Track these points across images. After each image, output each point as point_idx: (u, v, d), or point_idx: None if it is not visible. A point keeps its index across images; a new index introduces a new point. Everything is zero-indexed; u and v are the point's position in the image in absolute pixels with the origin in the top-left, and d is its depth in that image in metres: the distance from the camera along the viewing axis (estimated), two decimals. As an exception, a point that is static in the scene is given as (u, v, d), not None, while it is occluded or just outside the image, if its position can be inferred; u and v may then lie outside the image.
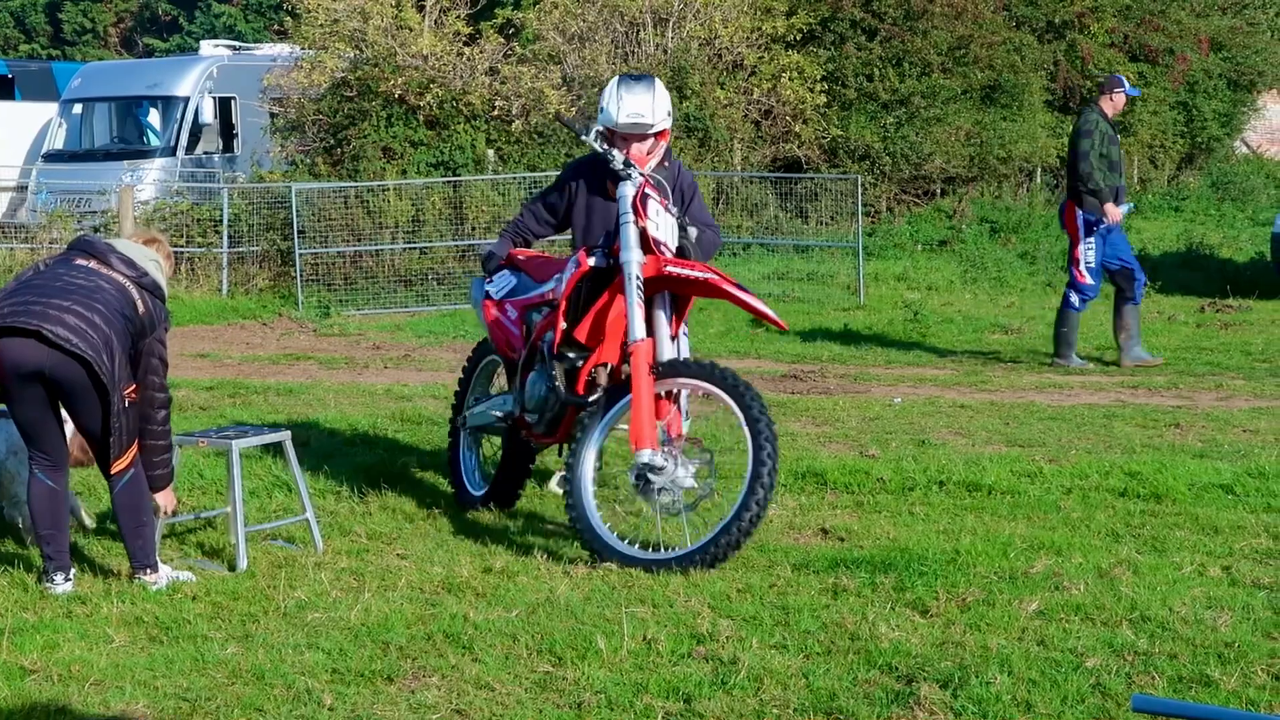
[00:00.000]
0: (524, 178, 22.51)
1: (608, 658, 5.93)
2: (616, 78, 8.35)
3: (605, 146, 7.86)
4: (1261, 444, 10.13)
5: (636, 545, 7.47)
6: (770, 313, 7.85)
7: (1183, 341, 15.63)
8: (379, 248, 21.82)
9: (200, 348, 16.96)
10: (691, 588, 6.87)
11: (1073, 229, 13.98)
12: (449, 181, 22.37)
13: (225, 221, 22.00)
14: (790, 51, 25.90)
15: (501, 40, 24.50)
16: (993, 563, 7.13)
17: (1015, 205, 27.75)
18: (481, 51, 23.89)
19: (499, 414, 8.35)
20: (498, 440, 8.76)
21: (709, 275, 7.65)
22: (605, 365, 7.74)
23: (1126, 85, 14.11)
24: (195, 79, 27.23)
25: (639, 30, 25.46)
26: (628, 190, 7.70)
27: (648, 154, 8.20)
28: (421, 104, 22.99)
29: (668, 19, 25.51)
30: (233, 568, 7.49)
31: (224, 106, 27.83)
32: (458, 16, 24.22)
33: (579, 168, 8.49)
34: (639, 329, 7.53)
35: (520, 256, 8.52)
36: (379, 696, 5.68)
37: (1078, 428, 10.93)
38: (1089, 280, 13.93)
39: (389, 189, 21.88)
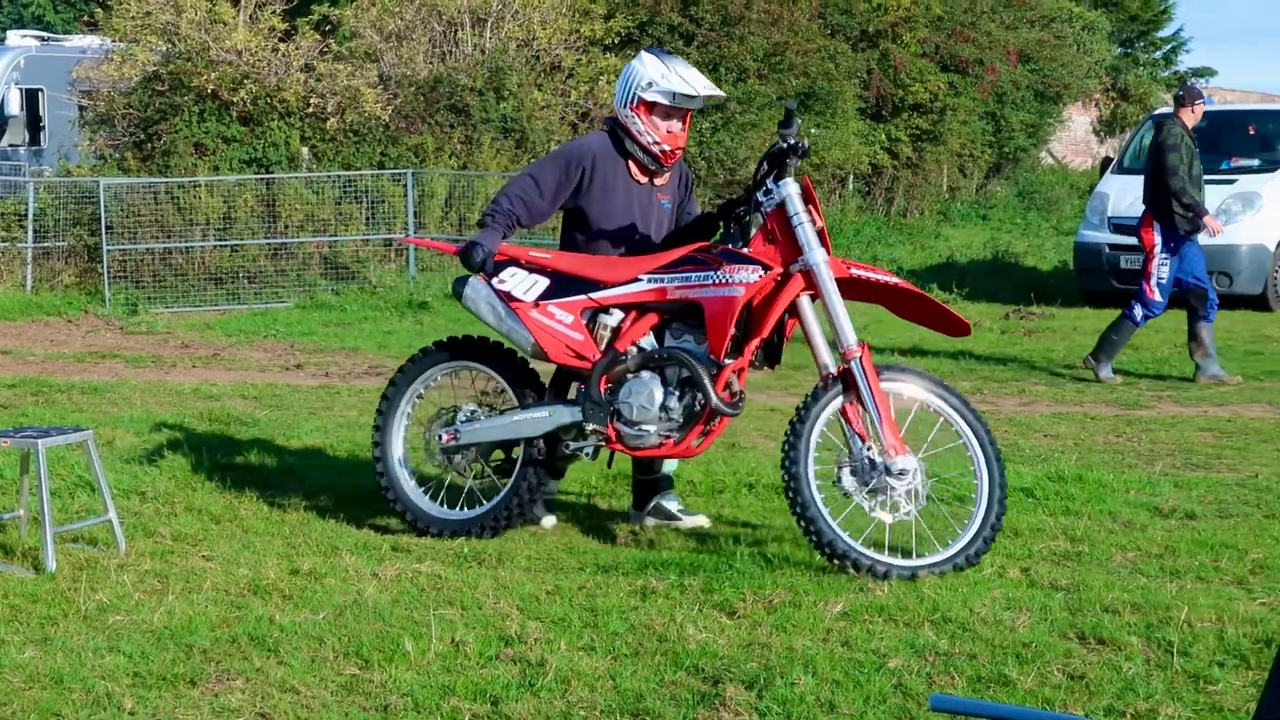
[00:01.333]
0: (339, 176, 22.33)
1: (415, 660, 5.90)
2: (648, 51, 8.16)
3: (790, 134, 7.47)
4: (1061, 449, 10.36)
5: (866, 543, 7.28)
6: (959, 315, 7.85)
7: (987, 347, 15.92)
8: (189, 245, 21.51)
9: (2, 344, 16.59)
10: (500, 590, 6.87)
11: (1149, 243, 13.73)
12: (262, 179, 22.13)
13: (31, 216, 21.53)
14: (608, 54, 25.96)
15: (318, 37, 24.26)
16: (800, 565, 7.21)
17: (828, 211, 28.09)
18: (297, 48, 23.64)
19: (562, 424, 7.74)
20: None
21: (895, 280, 7.65)
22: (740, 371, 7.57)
23: (1205, 97, 13.83)
24: (2, 70, 26.62)
25: (457, 30, 25.36)
26: (792, 187, 7.50)
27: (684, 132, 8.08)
28: (235, 100, 22.70)
29: (486, 19, 25.43)
30: (39, 569, 7.33)
31: (31, 98, 27.26)
32: (273, 12, 23.93)
33: (589, 147, 8.08)
34: (849, 335, 7.38)
35: (532, 254, 7.97)
36: (181, 700, 5.59)
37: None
38: (1157, 297, 13.57)
39: (200, 185, 21.57)
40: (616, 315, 7.72)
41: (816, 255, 7.38)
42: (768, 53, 26.90)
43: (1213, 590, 6.86)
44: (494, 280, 7.86)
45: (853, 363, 7.34)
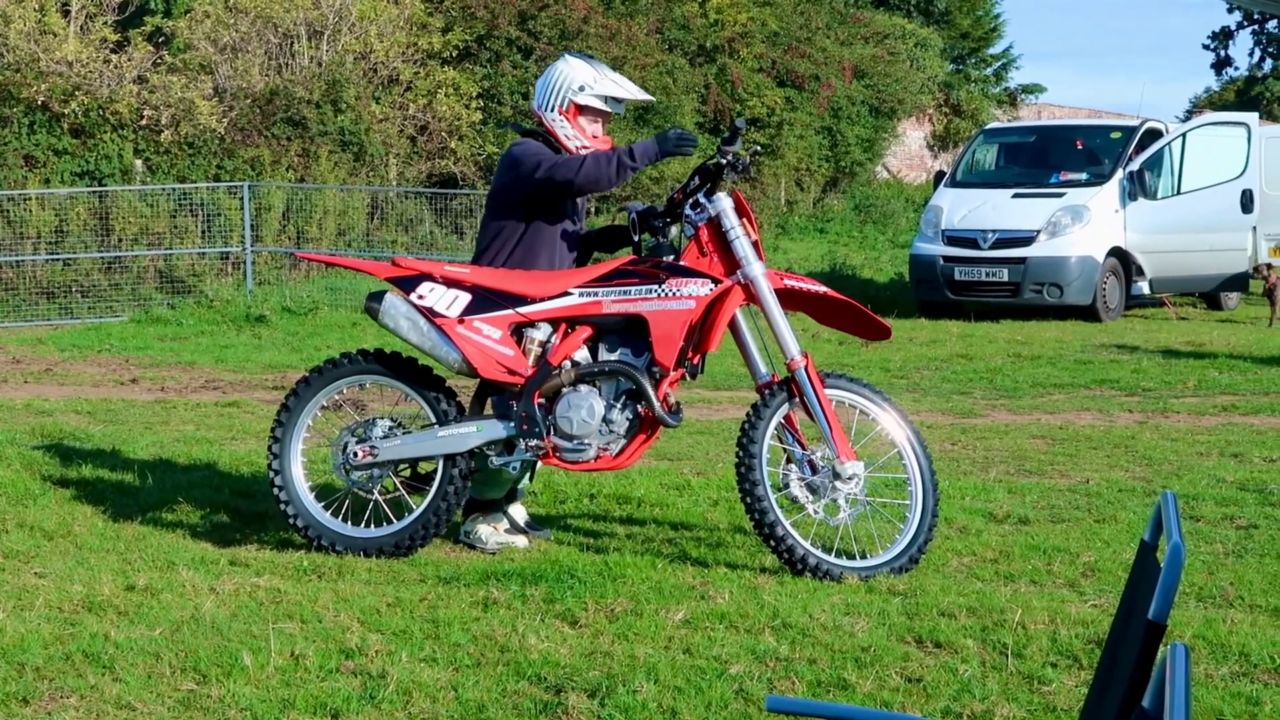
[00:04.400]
0: (173, 189, 22.05)
1: (254, 674, 5.84)
2: (572, 55, 8.08)
3: (731, 151, 7.51)
4: (897, 457, 10.48)
5: (833, 553, 7.43)
6: (881, 320, 7.94)
7: (826, 359, 16.09)
8: (20, 259, 21.12)
9: None
10: (341, 602, 6.82)
11: None
12: (94, 192, 21.79)
13: None
14: (446, 68, 25.93)
15: (151, 49, 23.99)
16: (641, 573, 7.24)
17: (668, 224, 28.20)
18: (130, 59, 23.34)
19: (492, 440, 7.63)
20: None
21: (824, 289, 7.71)
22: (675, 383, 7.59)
23: None
24: None
25: (293, 42, 25.18)
26: (726, 202, 7.55)
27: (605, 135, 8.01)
28: (66, 111, 22.35)
29: (323, 32, 25.28)
30: None
31: None
32: (105, 23, 23.62)
33: (545, 152, 7.85)
34: (793, 345, 7.46)
35: (448, 269, 7.80)
36: (14, 719, 5.49)
37: (724, 441, 11.16)
38: None
39: (31, 198, 21.20)
40: (545, 329, 7.66)
41: (755, 269, 7.47)
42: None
43: (1046, 593, 6.99)
44: (412, 295, 7.71)
45: (798, 371, 7.44)
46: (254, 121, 23.88)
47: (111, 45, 23.65)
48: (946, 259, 20.98)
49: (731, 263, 7.53)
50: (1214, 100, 70.44)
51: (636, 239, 7.95)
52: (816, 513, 7.48)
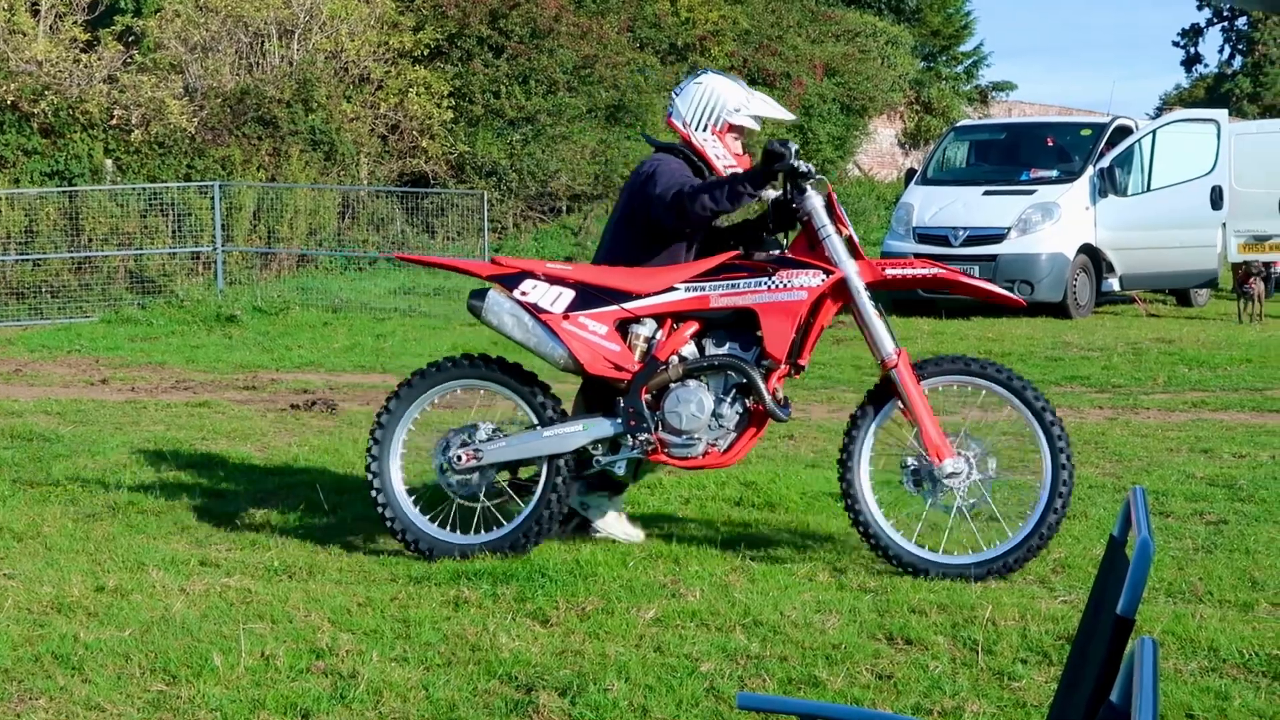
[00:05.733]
0: (144, 189, 21.98)
1: (224, 675, 5.82)
2: (714, 73, 8.05)
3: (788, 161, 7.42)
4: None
5: (925, 547, 7.45)
6: (1009, 294, 7.95)
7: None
8: (-11, 259, 21.03)
9: None
10: (311, 603, 6.80)
11: None
12: (64, 192, 21.71)
13: None
14: (417, 66, 25.89)
15: (121, 48, 23.92)
16: (612, 572, 7.24)
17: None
18: (100, 59, 23.27)
19: (599, 438, 7.57)
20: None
21: (936, 270, 7.62)
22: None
23: None
24: None
25: (264, 41, 25.12)
26: (816, 200, 7.50)
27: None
28: (35, 111, 22.27)
29: (293, 31, 25.22)
30: None
31: None
32: (75, 22, 23.54)
33: (686, 171, 7.85)
34: (888, 342, 7.44)
35: (549, 266, 7.76)
36: (-18, 721, 5.46)
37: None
38: None
39: (0, 199, 21.09)
40: (650, 325, 7.60)
41: (848, 266, 7.43)
42: (577, 65, 26.99)
43: (1016, 589, 7.01)
44: (515, 292, 7.65)
45: (892, 372, 7.44)
46: (224, 121, 23.82)
47: (81, 45, 23.57)
48: (918, 256, 21.01)
49: (826, 261, 7.52)
50: (1184, 97, 70.71)
51: (768, 235, 7.90)
52: (933, 507, 7.54)
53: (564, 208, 27.88)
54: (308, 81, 24.30)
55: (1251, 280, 20.16)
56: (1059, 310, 20.53)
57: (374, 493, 7.74)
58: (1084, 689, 2.72)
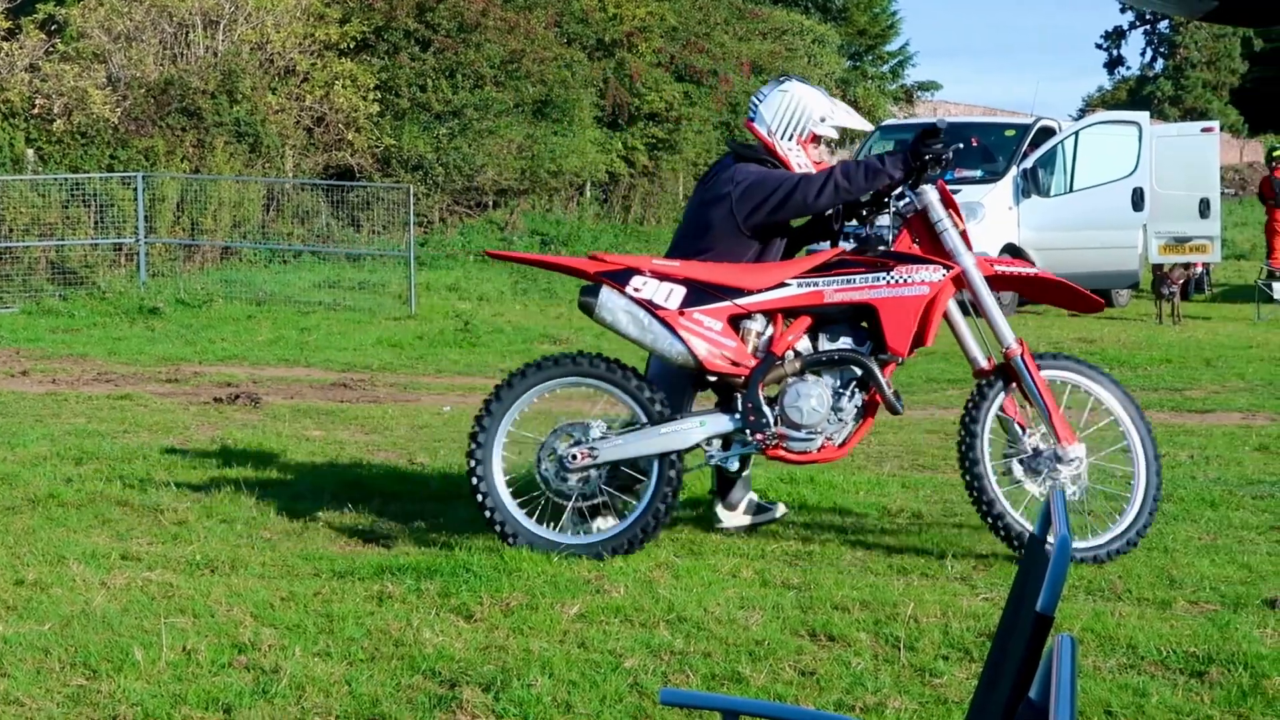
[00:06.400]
0: (65, 179, 21.78)
1: (145, 669, 5.78)
2: (798, 81, 8.11)
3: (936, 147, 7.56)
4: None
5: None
6: (1094, 297, 8.13)
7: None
8: (-93, 248, 20.79)
9: None
10: (234, 597, 6.77)
11: None
12: (-15, 181, 21.48)
13: None
14: (344, 59, 25.76)
15: (43, 36, 23.69)
16: (536, 567, 7.23)
17: (565, 218, 28.23)
18: (21, 47, 23.04)
19: (717, 434, 7.57)
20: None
21: (1034, 270, 7.94)
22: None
23: None
24: None
25: (189, 32, 24.93)
26: (932, 194, 7.62)
27: None
28: (-45, 100, 22.01)
29: (218, 21, 25.05)
30: None
31: None
32: (-5, 10, 23.29)
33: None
34: (1008, 333, 7.60)
35: (655, 263, 7.67)
36: (-102, 716, 5.41)
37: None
38: None
39: (-82, 187, 20.86)
40: (760, 321, 7.62)
41: (967, 259, 7.60)
42: (504, 60, 26.93)
43: (938, 586, 7.06)
44: (627, 289, 7.58)
45: (1015, 359, 7.58)
46: (148, 111, 23.62)
47: (3, 33, 23.32)
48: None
49: (939, 254, 7.61)
50: (1106, 99, 71.32)
51: (837, 227, 7.98)
52: (1040, 495, 7.61)
53: (490, 202, 27.82)
54: (233, 73, 24.14)
55: (1173, 276, 20.37)
56: (982, 309, 20.64)
57: (479, 495, 7.64)
58: (1004, 686, 2.75)
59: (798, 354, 7.60)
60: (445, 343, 17.27)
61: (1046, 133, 22.53)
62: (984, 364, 7.72)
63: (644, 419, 7.58)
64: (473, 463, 7.67)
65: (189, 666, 5.84)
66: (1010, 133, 23.00)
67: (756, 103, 8.06)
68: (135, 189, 21.81)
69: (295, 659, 5.90)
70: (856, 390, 7.57)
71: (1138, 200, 21.43)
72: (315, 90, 25.39)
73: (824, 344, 7.64)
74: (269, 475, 9.44)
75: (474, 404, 12.70)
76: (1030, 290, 8.28)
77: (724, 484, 8.15)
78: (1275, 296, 22.08)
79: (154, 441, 10.64)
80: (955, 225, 7.65)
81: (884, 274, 7.49)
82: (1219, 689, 5.60)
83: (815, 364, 7.55)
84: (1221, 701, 5.49)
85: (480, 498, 7.63)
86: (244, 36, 25.01)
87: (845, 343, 7.63)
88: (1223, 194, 24.27)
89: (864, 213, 7.86)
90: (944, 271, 7.52)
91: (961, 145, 7.81)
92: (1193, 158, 22.19)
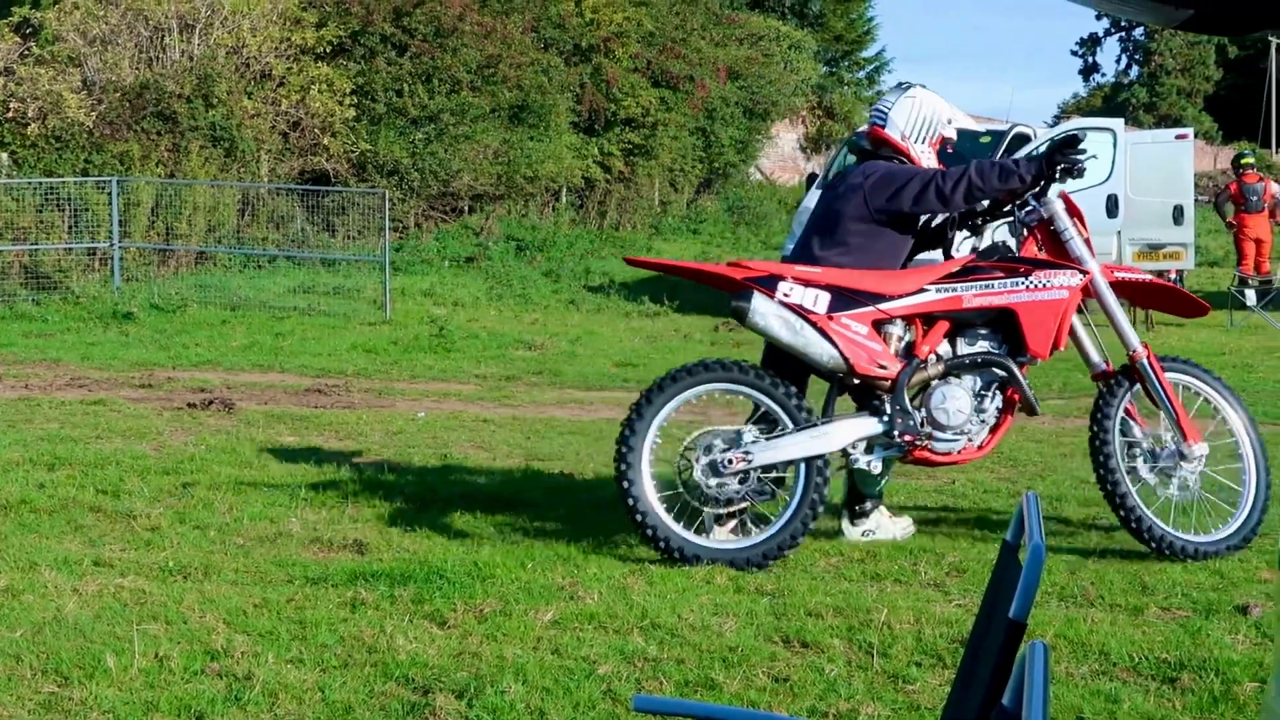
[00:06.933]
0: (40, 183, 21.71)
1: (117, 676, 5.76)
2: (921, 87, 8.27)
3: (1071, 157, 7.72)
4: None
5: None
6: (1203, 301, 8.44)
7: (698, 359, 16.14)
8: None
9: None
10: (206, 604, 6.74)
11: None
12: (-42, 185, 21.40)
13: None
14: (320, 63, 25.73)
15: (18, 40, 23.62)
16: (510, 574, 7.22)
17: (541, 224, 28.22)
18: (-5, 50, 22.94)
19: (866, 437, 7.70)
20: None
21: (1148, 277, 8.20)
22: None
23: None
24: None
25: (164, 36, 24.88)
26: (1058, 204, 7.86)
27: None
28: (-72, 103, 21.94)
29: (194, 25, 25.00)
30: None
31: None
32: (-31, 13, 23.22)
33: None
34: (1133, 337, 7.88)
35: (798, 270, 7.74)
36: None
37: (596, 441, 11.17)
38: None
39: (-109, 191, 20.79)
40: (900, 325, 7.77)
41: (1094, 265, 7.84)
42: (481, 65, 26.91)
43: (911, 593, 7.06)
44: (777, 295, 7.64)
45: (1140, 361, 7.85)
46: (123, 115, 23.57)
47: (-23, 36, 23.27)
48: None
49: (1065, 260, 7.84)
50: (1081, 106, 71.53)
51: (950, 236, 8.15)
52: (1165, 493, 7.88)
53: (466, 208, 27.79)
54: (208, 77, 24.09)
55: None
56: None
57: (630, 500, 7.60)
58: (977, 692, 2.75)
59: (939, 357, 7.79)
60: (420, 348, 17.25)
61: (1022, 139, 22.54)
62: (1104, 367, 8.00)
63: (789, 424, 7.66)
64: (623, 466, 7.66)
65: (161, 673, 5.82)
66: (986, 139, 23.01)
67: (884, 110, 8.18)
68: (110, 193, 21.75)
69: (268, 666, 5.88)
70: (996, 392, 7.79)
71: (1112, 207, 21.47)
72: (291, 94, 25.35)
73: (962, 348, 7.84)
74: (242, 481, 9.42)
75: (448, 409, 12.69)
76: (1142, 296, 8.53)
77: (854, 495, 8.24)
78: (1247, 303, 22.16)
79: (127, 447, 10.61)
80: (1080, 233, 7.87)
81: (1022, 279, 7.71)
82: (1190, 695, 5.61)
83: (958, 367, 7.77)
84: (1193, 707, 5.50)
85: (630, 502, 7.62)
86: (220, 40, 24.96)
87: (982, 346, 7.83)
88: (1196, 201, 24.33)
89: (977, 222, 8.11)
90: (1080, 276, 7.75)
91: (1096, 156, 7.97)
92: (1167, 164, 22.26)
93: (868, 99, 43.62)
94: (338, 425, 11.90)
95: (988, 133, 23.54)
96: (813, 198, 22.23)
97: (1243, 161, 25.82)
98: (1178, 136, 23.70)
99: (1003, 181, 7.75)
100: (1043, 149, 7.94)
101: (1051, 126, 26.00)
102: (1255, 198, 24.87)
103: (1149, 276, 8.29)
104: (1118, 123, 22.77)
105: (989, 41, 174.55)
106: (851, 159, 23.74)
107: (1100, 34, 75.93)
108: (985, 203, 7.98)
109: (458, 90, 26.60)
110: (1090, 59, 76.89)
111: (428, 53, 26.47)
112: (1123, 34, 73.89)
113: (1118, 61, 77.90)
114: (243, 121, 24.43)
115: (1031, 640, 2.54)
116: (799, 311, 7.61)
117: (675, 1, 32.64)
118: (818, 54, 40.36)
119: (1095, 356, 7.98)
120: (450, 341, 17.42)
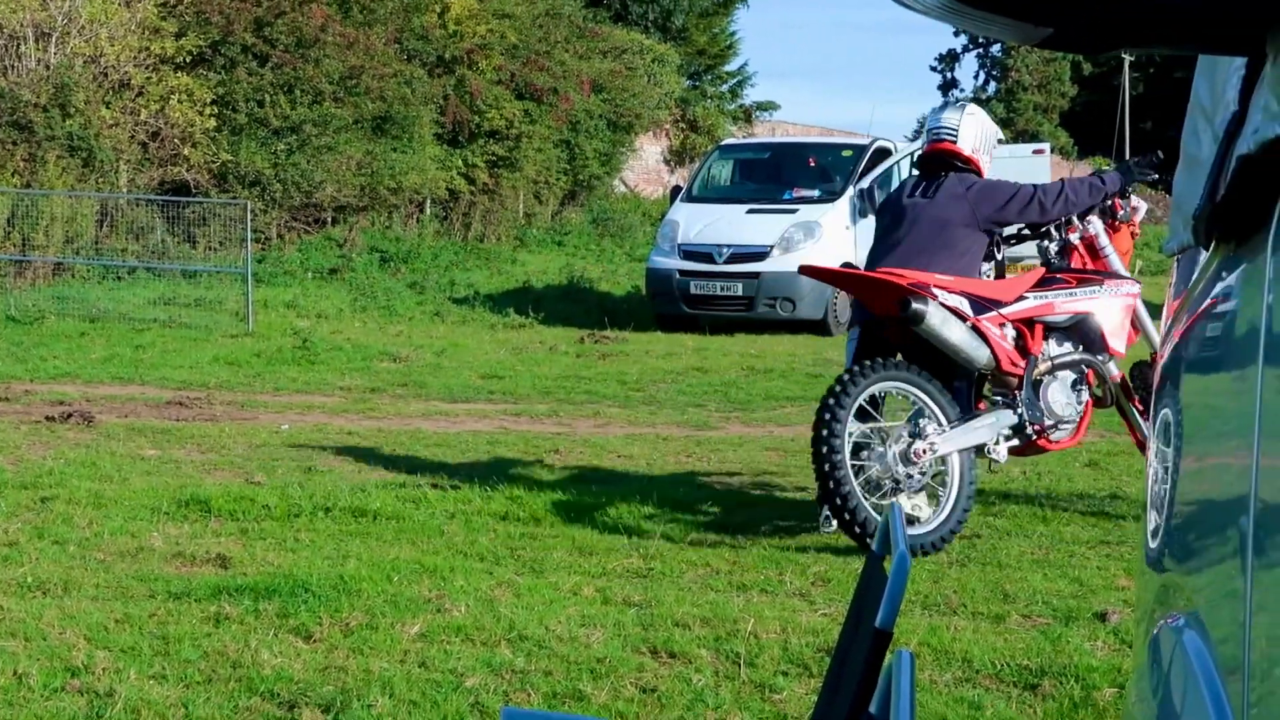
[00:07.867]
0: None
1: (-25, 695, 5.67)
2: (972, 103, 9.10)
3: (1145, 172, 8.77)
4: (634, 467, 10.59)
5: None
6: None
7: (563, 370, 16.16)
8: None
9: None
10: (67, 619, 6.65)
11: None
12: None
13: None
14: (180, 73, 25.42)
15: None
16: (377, 587, 7.19)
17: (405, 235, 28.08)
18: None
19: (1008, 427, 8.40)
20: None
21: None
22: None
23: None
24: None
25: (19, 44, 24.47)
26: (1099, 223, 8.76)
27: None
28: None
29: (50, 34, 24.61)
30: None
31: None
32: None
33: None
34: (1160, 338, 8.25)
35: (938, 278, 8.26)
36: None
37: (462, 453, 11.15)
38: None
39: None
40: (1009, 329, 8.44)
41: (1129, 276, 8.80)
42: (344, 76, 26.73)
43: (777, 602, 7.12)
44: (939, 299, 8.12)
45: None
46: (-23, 124, 23.16)
47: None
48: (682, 273, 21.24)
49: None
50: (941, 121, 72.19)
51: (1000, 250, 8.89)
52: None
53: (329, 219, 27.59)
54: (65, 86, 23.73)
55: None
56: (820, 328, 20.88)
57: (834, 487, 7.94)
58: (843, 700, 2.78)
59: (1046, 355, 8.55)
60: (283, 360, 17.10)
61: (883, 153, 22.82)
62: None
63: (945, 420, 8.23)
64: (826, 466, 7.96)
65: (20, 690, 5.73)
66: (847, 153, 23.27)
67: (953, 128, 8.78)
68: (-36, 203, 21.37)
69: (130, 682, 5.81)
70: (1083, 386, 8.62)
71: (971, 220, 21.72)
72: (150, 104, 25.03)
73: (1053, 348, 8.62)
74: (103, 495, 9.28)
75: (312, 422, 12.60)
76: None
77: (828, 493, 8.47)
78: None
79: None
80: (1116, 250, 8.81)
81: (1097, 287, 8.62)
82: (1051, 701, 5.70)
83: (1062, 364, 8.55)
84: (1054, 713, 5.59)
85: (840, 501, 7.91)
86: (77, 49, 24.60)
87: (1066, 346, 8.63)
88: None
89: (1014, 240, 9.00)
90: (1138, 285, 8.73)
91: (1165, 162, 8.58)
92: (1025, 179, 22.48)
93: (731, 113, 43.87)
94: (200, 438, 11.78)
95: (849, 147, 23.79)
96: (678, 210, 22.34)
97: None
98: (1035, 151, 24.11)
99: (1091, 195, 8.64)
100: (1119, 165, 8.74)
101: (912, 140, 26.29)
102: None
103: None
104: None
105: (850, 56, 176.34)
106: (721, 169, 23.74)
107: (959, 50, 76.96)
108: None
109: (320, 101, 26.40)
110: (949, 74, 77.90)
111: (290, 63, 26.25)
112: (980, 50, 74.93)
113: (976, 77, 78.96)
114: (101, 131, 24.09)
115: (897, 649, 2.58)
116: (958, 314, 8.21)
117: (539, 14, 32.65)
118: (681, 68, 40.51)
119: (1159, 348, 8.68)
120: (314, 354, 17.30)
